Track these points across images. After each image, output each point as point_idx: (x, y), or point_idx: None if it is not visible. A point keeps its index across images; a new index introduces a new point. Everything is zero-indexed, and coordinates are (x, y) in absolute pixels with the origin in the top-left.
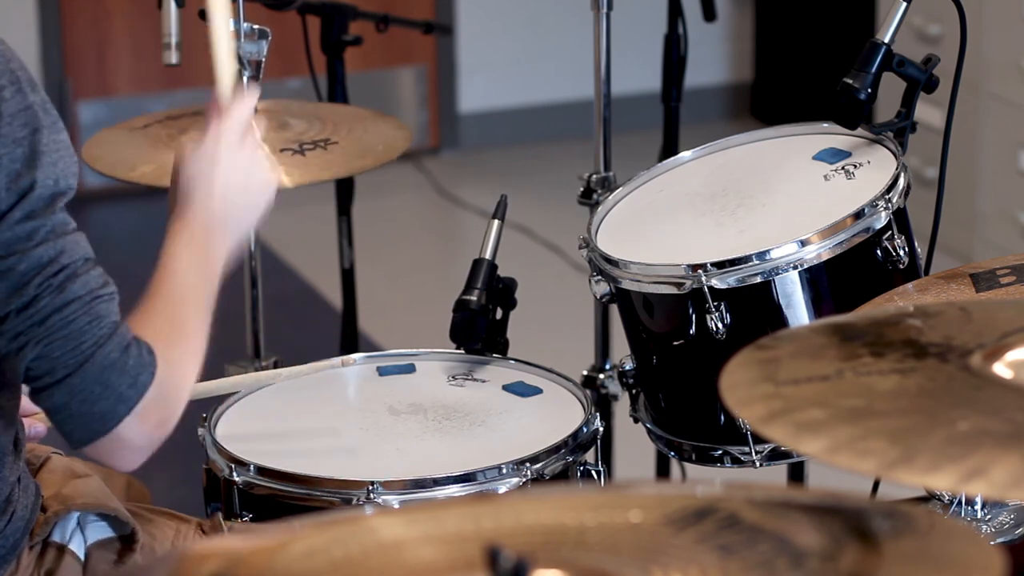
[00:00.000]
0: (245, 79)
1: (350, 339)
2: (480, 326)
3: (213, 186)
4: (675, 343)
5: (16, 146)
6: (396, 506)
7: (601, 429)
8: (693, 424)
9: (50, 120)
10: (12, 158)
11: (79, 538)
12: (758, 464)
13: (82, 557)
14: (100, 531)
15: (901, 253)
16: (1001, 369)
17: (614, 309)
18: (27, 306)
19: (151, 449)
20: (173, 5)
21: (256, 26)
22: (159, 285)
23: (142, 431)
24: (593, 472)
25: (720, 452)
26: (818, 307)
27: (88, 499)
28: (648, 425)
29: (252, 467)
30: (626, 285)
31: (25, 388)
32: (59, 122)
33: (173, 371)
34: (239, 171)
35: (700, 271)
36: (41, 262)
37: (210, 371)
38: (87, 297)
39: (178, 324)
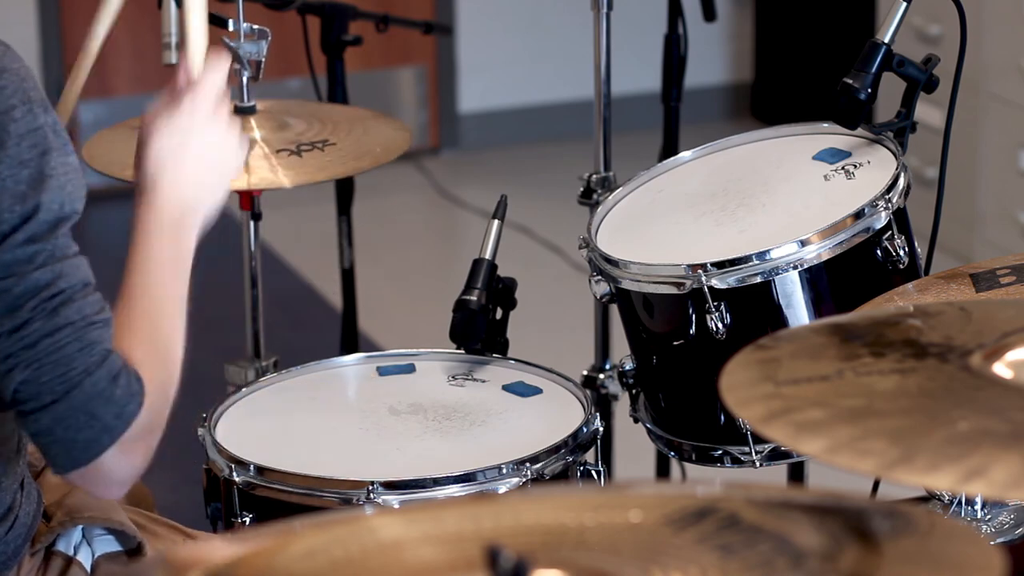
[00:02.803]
0: (248, 76)
1: (350, 339)
2: (480, 326)
3: (184, 164)
4: (675, 343)
5: (22, 167)
6: (396, 506)
7: (601, 429)
8: (693, 424)
9: (60, 142)
10: (17, 179)
11: (86, 550)
12: (758, 464)
13: (89, 570)
14: (107, 544)
15: (901, 253)
16: (1001, 369)
17: (614, 309)
18: (18, 328)
19: (133, 480)
20: (173, 5)
21: (256, 26)
22: (138, 293)
23: (124, 462)
24: (593, 472)
25: (720, 452)
26: (818, 307)
27: (94, 512)
28: (648, 425)
29: (252, 467)
30: (626, 285)
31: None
32: (69, 144)
33: (159, 397)
34: (211, 147)
35: (700, 271)
36: (38, 285)
37: (210, 371)
38: (81, 323)
39: (161, 347)
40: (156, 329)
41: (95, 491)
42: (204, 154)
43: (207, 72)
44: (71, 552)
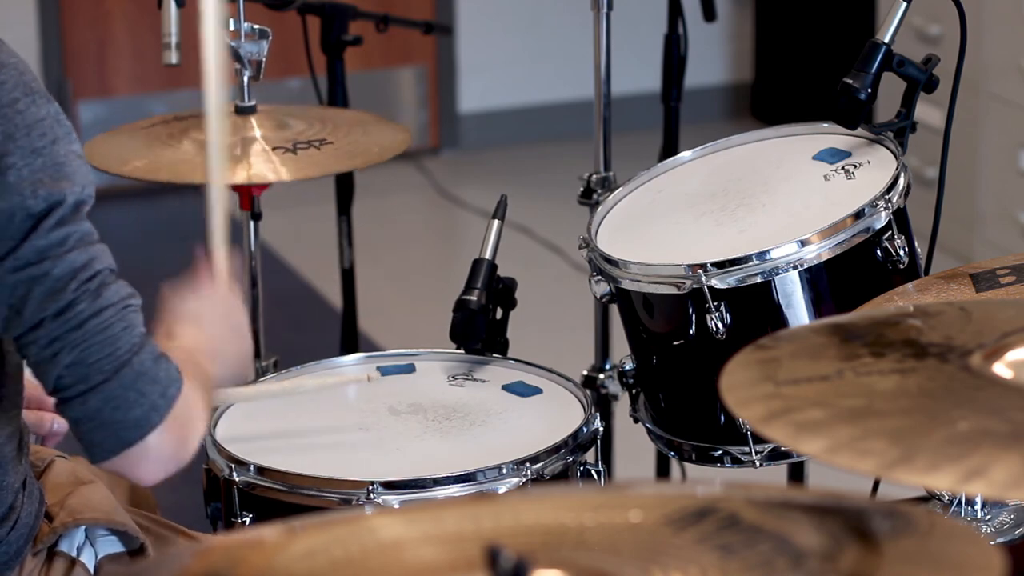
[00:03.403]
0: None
1: (350, 339)
2: (480, 326)
3: (205, 325)
4: (675, 343)
5: (36, 156)
6: (396, 506)
7: (601, 429)
8: (693, 424)
9: (64, 131)
10: (33, 168)
11: (89, 551)
12: (758, 464)
13: (92, 571)
14: (110, 545)
15: (901, 253)
16: (1001, 369)
17: (614, 309)
18: (63, 311)
19: (172, 467)
20: (173, 5)
21: (256, 26)
22: (177, 352)
23: (165, 444)
24: (593, 472)
25: (720, 452)
26: (818, 307)
27: (97, 513)
28: (648, 425)
29: (252, 467)
30: (626, 285)
31: (47, 399)
32: (72, 133)
33: (192, 398)
34: (226, 329)
35: (700, 271)
36: (75, 267)
37: None
38: (120, 304)
39: (198, 376)
40: (196, 366)
41: (138, 475)
42: (221, 335)
43: (224, 259)
44: (74, 553)
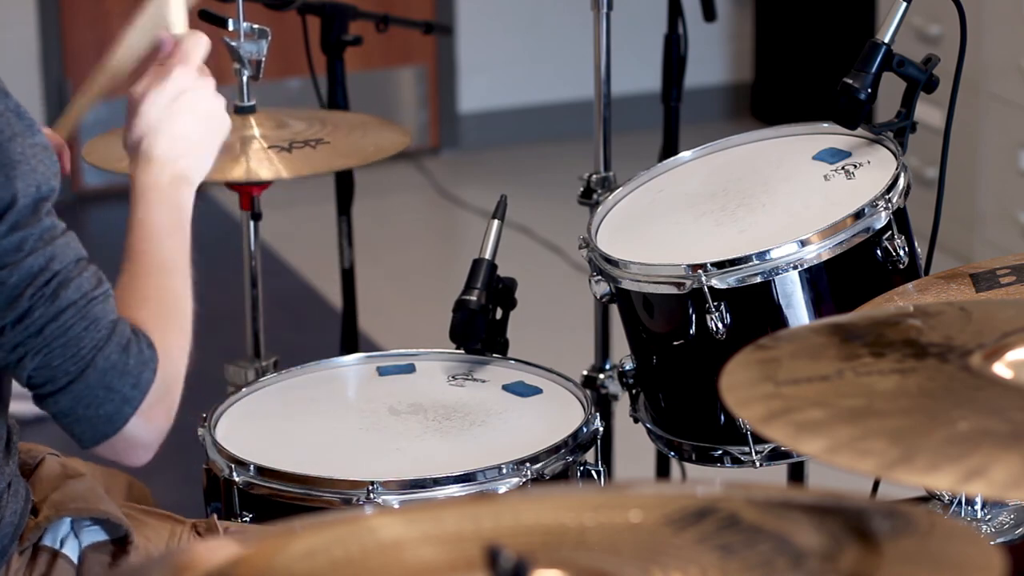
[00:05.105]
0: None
1: (350, 339)
2: (480, 326)
3: (175, 125)
4: (675, 343)
5: None
6: (396, 506)
7: (601, 429)
8: (693, 424)
9: (23, 125)
10: None
11: (73, 542)
12: (758, 464)
13: (76, 561)
14: (94, 535)
15: (901, 253)
16: (1001, 369)
17: (614, 309)
18: (22, 318)
19: (159, 442)
20: None
21: (256, 26)
22: (142, 258)
23: (149, 427)
24: (593, 472)
25: (720, 452)
26: (818, 307)
27: (80, 504)
28: (648, 425)
29: (252, 467)
30: (626, 285)
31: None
32: (34, 124)
33: (172, 359)
34: (200, 106)
35: (700, 271)
36: (32, 272)
37: (210, 371)
38: (81, 302)
39: (170, 305)
40: (162, 288)
41: (124, 460)
42: (194, 113)
43: (189, 41)
44: (57, 546)
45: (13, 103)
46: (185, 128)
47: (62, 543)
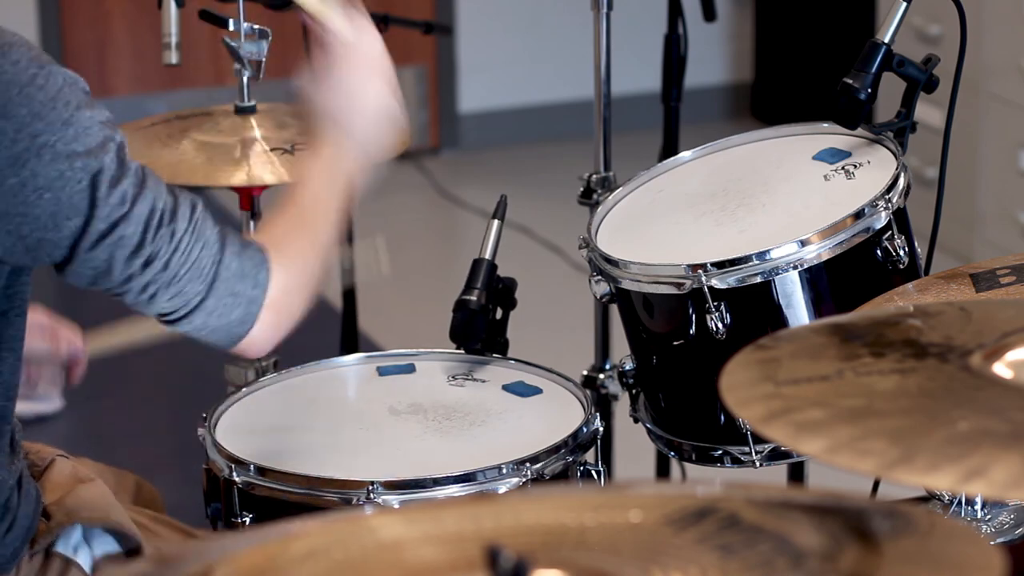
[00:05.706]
0: (248, 76)
1: (350, 339)
2: (480, 326)
3: (351, 122)
4: (675, 343)
5: (66, 127)
6: (396, 506)
7: (601, 429)
8: (693, 424)
9: (78, 91)
10: (66, 140)
11: (85, 551)
12: (758, 464)
13: (88, 572)
14: (106, 545)
15: (901, 253)
16: (1001, 369)
17: (614, 309)
18: (150, 261)
19: (284, 334)
20: (173, 5)
21: (256, 26)
22: (295, 196)
23: (274, 322)
24: (593, 472)
25: (720, 452)
26: (818, 307)
27: (93, 512)
28: (648, 425)
29: (252, 467)
30: (626, 285)
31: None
32: (78, 82)
33: (291, 259)
34: (370, 105)
35: (700, 271)
36: (144, 217)
37: (210, 371)
38: (191, 226)
39: (301, 219)
40: (299, 211)
41: (248, 354)
42: (366, 111)
43: (357, 32)
44: (70, 553)
45: (66, 73)
46: (360, 127)
47: (75, 551)
